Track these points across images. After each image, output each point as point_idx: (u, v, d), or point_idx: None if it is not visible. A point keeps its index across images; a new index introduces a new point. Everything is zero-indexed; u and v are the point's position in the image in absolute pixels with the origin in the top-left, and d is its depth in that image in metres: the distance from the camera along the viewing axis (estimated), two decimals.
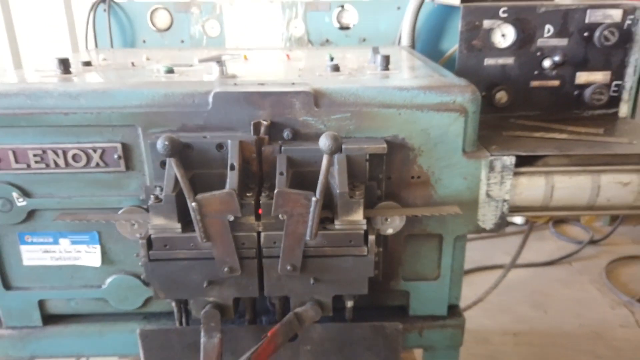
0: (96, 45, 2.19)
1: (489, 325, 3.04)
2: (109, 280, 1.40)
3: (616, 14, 1.57)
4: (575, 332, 3.00)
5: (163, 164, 1.21)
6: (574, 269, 3.66)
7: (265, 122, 1.22)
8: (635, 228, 4.16)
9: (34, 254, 1.37)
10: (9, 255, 1.37)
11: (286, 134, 1.24)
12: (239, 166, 1.18)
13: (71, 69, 1.47)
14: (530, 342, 2.92)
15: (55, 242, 1.36)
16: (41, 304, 1.43)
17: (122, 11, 2.18)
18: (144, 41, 2.20)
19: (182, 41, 2.20)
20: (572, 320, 3.10)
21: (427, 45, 2.16)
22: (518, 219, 4.04)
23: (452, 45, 2.11)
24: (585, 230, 4.10)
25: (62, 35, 3.45)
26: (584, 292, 3.38)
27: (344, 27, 2.19)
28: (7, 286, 1.40)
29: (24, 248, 1.36)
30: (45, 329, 1.44)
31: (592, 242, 3.92)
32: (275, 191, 1.14)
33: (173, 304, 1.30)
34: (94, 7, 2.15)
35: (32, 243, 1.36)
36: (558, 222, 4.23)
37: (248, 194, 1.18)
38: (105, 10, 2.15)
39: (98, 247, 1.37)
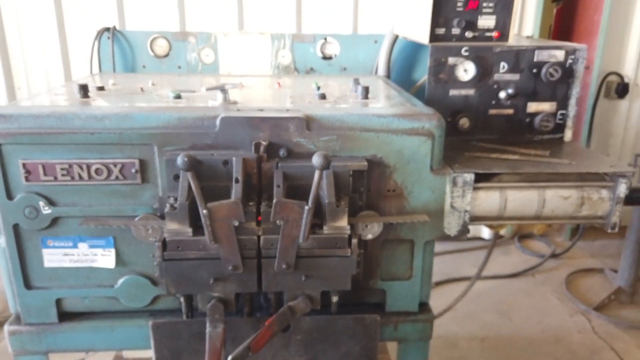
0: (100, 70, 2.38)
1: (458, 332, 3.27)
2: (121, 280, 1.57)
3: (559, 54, 1.85)
4: (537, 337, 3.25)
5: (176, 177, 1.41)
6: (537, 280, 3.93)
7: (264, 142, 1.44)
8: (593, 243, 4.47)
9: (54, 257, 1.54)
10: (32, 257, 1.53)
11: (282, 152, 1.46)
12: (243, 179, 1.39)
13: (89, 94, 1.66)
14: (496, 346, 3.16)
15: (75, 246, 1.54)
16: (58, 302, 1.59)
17: (125, 39, 2.38)
18: (144, 66, 2.40)
19: (179, 67, 2.40)
20: (535, 326, 3.36)
21: (401, 74, 2.42)
22: (485, 234, 4.31)
23: (422, 75, 2.37)
24: (547, 244, 4.40)
25: (55, 62, 3.62)
26: (545, 302, 3.64)
27: (326, 57, 2.44)
28: (28, 286, 1.56)
29: (45, 251, 1.53)
30: (61, 325, 1.60)
31: (554, 255, 4.21)
32: (274, 201, 1.35)
33: (181, 299, 1.48)
34: (99, 35, 2.34)
35: (53, 247, 1.53)
36: (523, 237, 4.52)
37: (250, 203, 1.39)
38: (109, 38, 2.35)
39: (113, 250, 1.54)
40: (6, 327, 1.59)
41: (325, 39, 2.41)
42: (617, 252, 3.99)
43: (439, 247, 4.18)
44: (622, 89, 4.13)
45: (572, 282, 3.87)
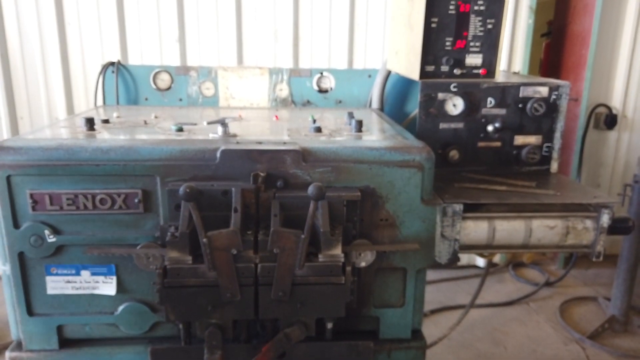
0: (104, 102, 2.46)
1: None
2: (121, 307, 1.62)
3: (543, 90, 1.94)
4: None
5: (178, 207, 1.47)
6: (531, 308, 3.95)
7: (262, 174, 1.51)
8: (586, 271, 4.51)
9: (57, 284, 1.58)
10: (35, 285, 1.58)
11: (279, 183, 1.52)
12: (241, 209, 1.45)
13: (95, 126, 1.74)
14: None
15: (77, 274, 1.58)
16: (59, 329, 1.62)
17: (128, 73, 2.47)
18: (146, 99, 2.49)
19: (180, 99, 2.49)
20: (529, 355, 3.37)
21: (394, 107, 2.52)
22: (480, 262, 4.35)
23: (414, 107, 2.46)
24: (541, 273, 4.43)
25: (57, 92, 3.71)
26: (540, 330, 3.66)
27: (322, 91, 2.53)
28: (31, 313, 1.60)
29: (49, 279, 1.58)
30: (61, 352, 1.63)
31: (548, 284, 4.25)
32: (271, 230, 1.41)
33: (180, 326, 1.52)
34: (104, 69, 2.43)
35: (56, 274, 1.58)
36: (516, 265, 4.56)
37: (248, 232, 1.45)
38: (113, 72, 2.44)
39: (114, 278, 1.59)
40: (7, 354, 1.62)
41: (322, 73, 2.51)
42: (610, 281, 4.03)
43: (434, 275, 4.23)
44: (611, 120, 4.24)
45: (566, 310, 3.89)
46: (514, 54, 3.86)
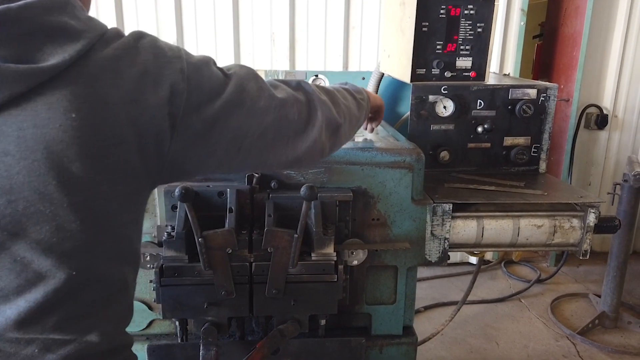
0: None
1: (446, 356, 3.33)
2: None
3: (532, 92, 1.99)
4: None
5: (174, 208, 1.51)
6: (523, 305, 4.01)
7: (256, 175, 1.55)
8: (577, 269, 4.57)
9: None
10: None
11: (273, 184, 1.56)
12: (236, 209, 1.49)
13: None
14: None
15: None
16: None
17: None
18: None
19: None
20: (521, 351, 3.43)
21: (387, 109, 2.55)
22: (473, 259, 4.41)
23: (407, 109, 2.50)
24: (533, 270, 4.50)
25: None
26: (531, 326, 3.72)
27: None
28: None
29: None
30: None
31: (539, 281, 4.30)
32: (265, 229, 1.45)
33: (176, 323, 1.56)
34: None
35: None
36: (509, 262, 4.62)
37: (243, 232, 1.49)
38: None
39: None
40: None
41: (317, 75, 2.55)
42: (600, 278, 4.09)
43: (427, 272, 4.28)
44: (602, 120, 4.30)
45: (557, 307, 3.95)
46: (505, 56, 3.90)
